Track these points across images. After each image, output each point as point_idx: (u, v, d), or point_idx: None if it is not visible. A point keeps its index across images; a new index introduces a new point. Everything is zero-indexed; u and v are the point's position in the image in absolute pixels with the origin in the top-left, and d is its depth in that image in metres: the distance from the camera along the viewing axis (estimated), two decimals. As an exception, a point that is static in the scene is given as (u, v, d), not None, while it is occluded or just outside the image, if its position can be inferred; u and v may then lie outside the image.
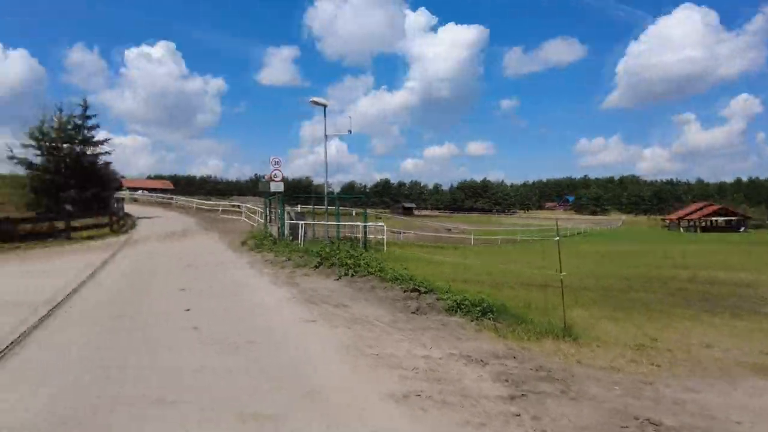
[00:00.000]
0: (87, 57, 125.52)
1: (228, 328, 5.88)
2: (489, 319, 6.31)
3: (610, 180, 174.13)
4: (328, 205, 18.50)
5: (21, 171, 23.99)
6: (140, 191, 53.31)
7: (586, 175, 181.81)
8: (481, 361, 4.85)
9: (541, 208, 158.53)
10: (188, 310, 6.76)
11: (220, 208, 35.89)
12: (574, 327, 6.20)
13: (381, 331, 5.91)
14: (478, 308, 6.51)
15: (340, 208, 20.12)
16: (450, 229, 50.10)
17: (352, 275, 9.62)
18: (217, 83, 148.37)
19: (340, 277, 9.56)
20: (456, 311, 6.64)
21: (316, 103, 18.66)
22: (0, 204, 18.99)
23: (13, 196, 23.31)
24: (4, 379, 4.25)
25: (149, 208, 36.60)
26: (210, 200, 43.74)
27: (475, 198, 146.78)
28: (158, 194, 50.94)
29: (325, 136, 18.84)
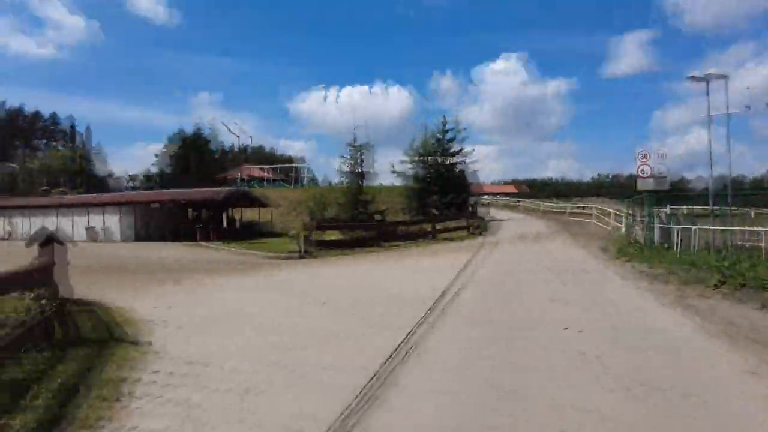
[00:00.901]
0: (442, 81, 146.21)
1: (623, 361, 4.66)
2: None
3: None
4: (706, 205, 14.67)
5: (399, 182, 30.34)
6: (488, 195, 57.26)
7: None
8: None
9: None
10: (566, 328, 5.89)
11: (567, 210, 34.53)
12: None
13: None
14: None
15: (727, 208, 15.64)
16: None
17: (787, 305, 6.74)
18: (559, 84, 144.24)
19: (764, 306, 6.84)
20: None
21: (695, 78, 15.10)
22: (384, 210, 23.65)
23: (394, 202, 28.87)
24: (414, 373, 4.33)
25: (499, 212, 38.66)
26: (554, 202, 42.86)
27: None
28: (506, 198, 53.62)
29: (709, 117, 14.98)
